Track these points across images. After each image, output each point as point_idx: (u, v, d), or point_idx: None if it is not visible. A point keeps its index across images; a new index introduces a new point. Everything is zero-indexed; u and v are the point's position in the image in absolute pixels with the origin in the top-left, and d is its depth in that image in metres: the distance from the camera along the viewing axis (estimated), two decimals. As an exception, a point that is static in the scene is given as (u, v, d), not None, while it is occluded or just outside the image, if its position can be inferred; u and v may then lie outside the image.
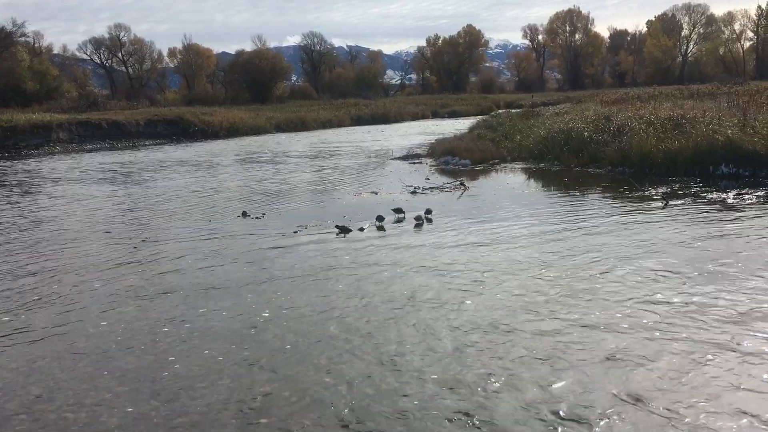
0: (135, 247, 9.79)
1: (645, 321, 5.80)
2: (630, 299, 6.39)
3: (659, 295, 6.49)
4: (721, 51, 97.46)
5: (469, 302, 6.54)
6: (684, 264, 7.51)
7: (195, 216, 12.46)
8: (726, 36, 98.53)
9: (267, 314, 6.51)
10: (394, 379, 4.91)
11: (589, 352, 5.20)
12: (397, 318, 6.20)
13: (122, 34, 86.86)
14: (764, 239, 8.55)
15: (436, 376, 4.91)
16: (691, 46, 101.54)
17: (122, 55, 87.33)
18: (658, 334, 5.50)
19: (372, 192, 14.58)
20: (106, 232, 11.08)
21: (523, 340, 5.52)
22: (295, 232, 10.38)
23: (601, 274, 7.31)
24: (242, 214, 12.30)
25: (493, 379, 4.81)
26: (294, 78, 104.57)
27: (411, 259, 8.39)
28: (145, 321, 6.47)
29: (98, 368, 5.38)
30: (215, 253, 9.24)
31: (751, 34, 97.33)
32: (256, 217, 11.95)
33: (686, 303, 6.22)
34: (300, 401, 4.66)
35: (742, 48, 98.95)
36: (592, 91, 67.36)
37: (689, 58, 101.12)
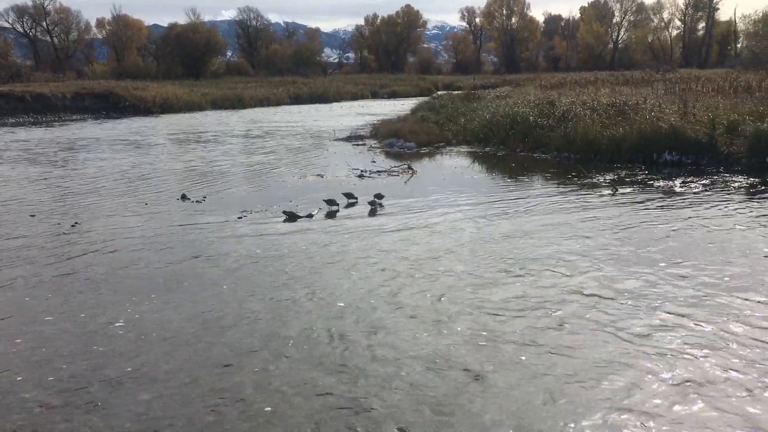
0: (64, 233, 9.05)
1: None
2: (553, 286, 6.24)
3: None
4: (650, 38, 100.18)
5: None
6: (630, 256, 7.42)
7: (130, 199, 11.70)
8: (655, 24, 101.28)
9: (207, 316, 6.02)
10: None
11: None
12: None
13: (47, 2, 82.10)
14: (712, 230, 8.57)
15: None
16: (622, 33, 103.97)
17: (47, 25, 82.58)
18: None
19: (317, 175, 14.07)
20: (31, 215, 10.24)
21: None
22: (239, 218, 9.83)
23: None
24: (181, 197, 11.62)
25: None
26: (229, 54, 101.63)
27: (370, 250, 8.00)
28: (71, 320, 5.89)
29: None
30: (151, 240, 8.61)
31: (678, 23, 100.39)
32: (197, 201, 11.30)
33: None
34: None
35: (670, 36, 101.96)
36: (529, 75, 68.01)
37: (620, 45, 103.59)
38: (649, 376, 4.60)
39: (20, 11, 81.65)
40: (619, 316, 5.67)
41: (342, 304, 6.07)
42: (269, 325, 5.65)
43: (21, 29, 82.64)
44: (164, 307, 6.11)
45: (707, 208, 9.81)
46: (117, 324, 5.73)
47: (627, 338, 5.21)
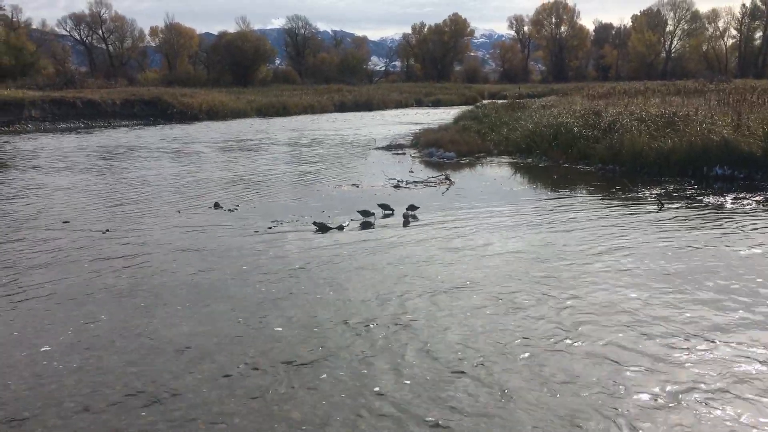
0: (94, 240, 9.03)
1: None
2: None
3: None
4: (704, 48, 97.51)
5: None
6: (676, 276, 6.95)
7: (163, 206, 11.69)
8: (709, 33, 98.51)
9: (218, 333, 5.83)
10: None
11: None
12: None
13: (103, 10, 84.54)
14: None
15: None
16: (675, 42, 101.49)
17: (102, 32, 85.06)
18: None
19: (353, 185, 13.87)
20: (64, 222, 10.29)
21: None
22: (270, 228, 9.67)
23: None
24: (214, 205, 11.56)
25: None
26: (277, 61, 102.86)
27: (403, 267, 7.72)
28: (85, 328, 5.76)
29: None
30: (177, 249, 8.51)
31: (734, 32, 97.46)
32: (229, 210, 11.21)
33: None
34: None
35: (725, 45, 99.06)
36: (577, 84, 66.80)
37: (673, 54, 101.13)
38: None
39: (77, 19, 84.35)
40: (665, 343, 5.26)
41: (359, 319, 5.81)
42: (261, 345, 5.43)
43: (78, 37, 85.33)
44: (178, 322, 5.95)
45: (760, 228, 9.23)
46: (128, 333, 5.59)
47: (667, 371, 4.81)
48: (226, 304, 6.39)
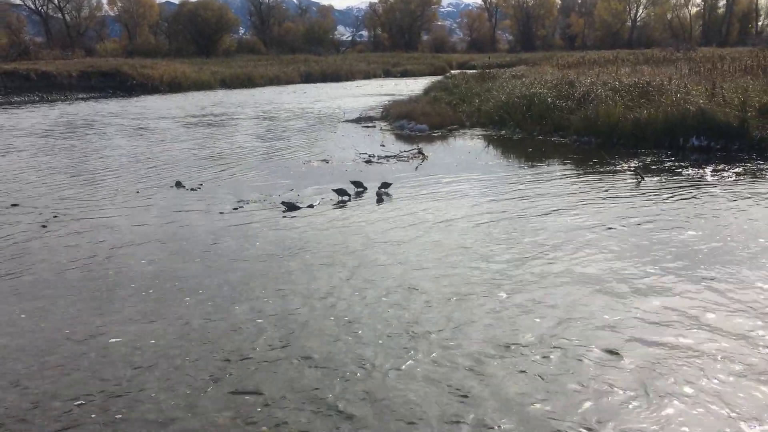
0: (43, 226, 8.37)
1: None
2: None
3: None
4: (669, 16, 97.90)
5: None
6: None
7: (121, 186, 11.00)
8: (674, 1, 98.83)
9: (181, 329, 5.32)
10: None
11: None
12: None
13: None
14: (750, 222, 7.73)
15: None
16: (641, 11, 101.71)
17: (58, 1, 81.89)
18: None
19: (323, 160, 13.29)
20: (13, 206, 9.58)
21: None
22: (235, 209, 9.11)
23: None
24: (176, 184, 10.92)
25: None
26: (241, 31, 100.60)
27: (377, 248, 7.25)
28: (36, 332, 5.20)
29: None
30: (134, 235, 7.90)
31: (698, 0, 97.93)
32: (192, 189, 10.59)
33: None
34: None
35: (690, 14, 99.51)
36: (545, 53, 66.46)
37: (638, 23, 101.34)
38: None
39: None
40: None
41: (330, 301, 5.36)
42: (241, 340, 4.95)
43: (33, 6, 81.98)
44: (139, 319, 5.42)
45: (744, 200, 8.96)
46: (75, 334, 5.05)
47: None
48: (188, 297, 5.86)
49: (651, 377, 4.27)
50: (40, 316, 5.49)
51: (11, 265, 6.81)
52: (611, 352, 4.62)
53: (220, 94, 36.77)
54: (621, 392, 4.10)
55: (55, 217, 8.81)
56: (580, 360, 4.52)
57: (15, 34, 69.26)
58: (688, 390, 4.12)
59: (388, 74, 58.40)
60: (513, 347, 4.72)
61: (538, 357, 4.57)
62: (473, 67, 52.45)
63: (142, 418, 3.95)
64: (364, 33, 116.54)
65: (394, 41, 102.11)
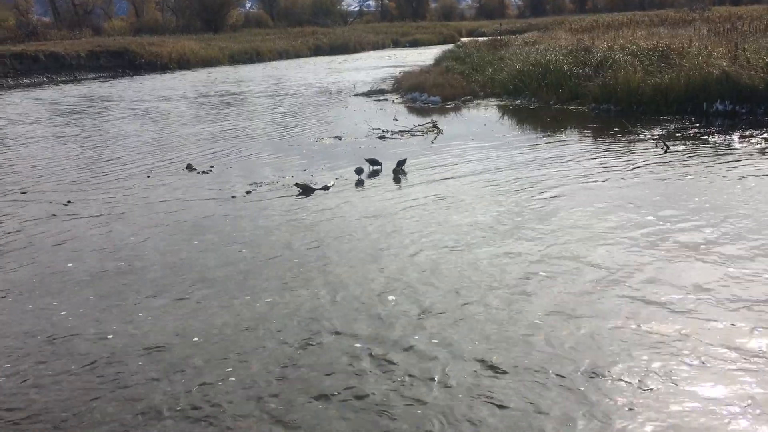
0: (54, 215, 8.19)
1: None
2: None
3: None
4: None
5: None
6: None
7: (132, 170, 10.78)
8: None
9: (185, 327, 5.12)
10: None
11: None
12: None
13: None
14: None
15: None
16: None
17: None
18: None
19: (335, 137, 12.98)
20: (22, 192, 9.40)
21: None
22: (248, 192, 8.87)
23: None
24: (187, 167, 10.68)
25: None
26: (248, 5, 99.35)
27: (399, 235, 7.01)
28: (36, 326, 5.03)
29: None
30: (146, 222, 7.70)
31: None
32: (203, 171, 10.35)
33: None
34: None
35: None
36: (555, 17, 65.04)
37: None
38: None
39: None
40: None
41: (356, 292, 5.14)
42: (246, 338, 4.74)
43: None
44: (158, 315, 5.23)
45: (776, 169, 8.61)
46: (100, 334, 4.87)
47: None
48: (205, 288, 5.66)
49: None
50: (51, 314, 5.31)
51: (21, 257, 6.63)
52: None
53: (229, 70, 36.31)
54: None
55: (66, 204, 8.60)
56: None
57: (23, 15, 68.87)
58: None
59: (397, 44, 57.56)
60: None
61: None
62: (483, 35, 51.43)
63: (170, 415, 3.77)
64: (372, 2, 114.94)
65: (402, 10, 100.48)
